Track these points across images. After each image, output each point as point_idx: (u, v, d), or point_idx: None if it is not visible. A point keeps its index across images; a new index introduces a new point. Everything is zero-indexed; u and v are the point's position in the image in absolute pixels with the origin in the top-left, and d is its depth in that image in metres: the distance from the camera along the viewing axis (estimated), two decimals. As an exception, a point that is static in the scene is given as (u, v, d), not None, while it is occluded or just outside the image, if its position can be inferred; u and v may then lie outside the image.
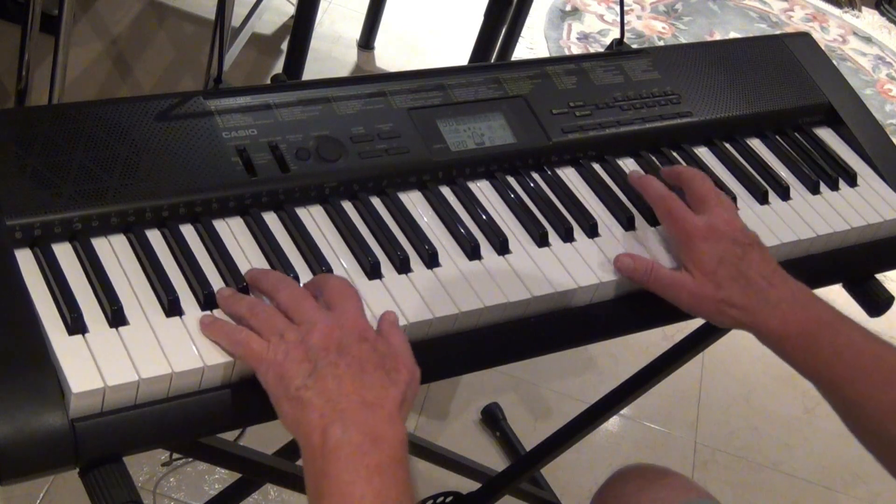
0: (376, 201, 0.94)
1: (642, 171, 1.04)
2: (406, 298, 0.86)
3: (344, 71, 2.53)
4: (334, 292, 0.79)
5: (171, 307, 0.79)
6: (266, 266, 0.85)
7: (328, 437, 0.70)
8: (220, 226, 0.87)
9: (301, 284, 0.83)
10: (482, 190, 0.99)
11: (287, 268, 0.84)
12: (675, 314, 1.01)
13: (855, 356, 0.89)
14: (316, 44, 2.23)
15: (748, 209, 1.07)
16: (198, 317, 0.79)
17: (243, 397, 0.77)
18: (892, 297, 1.12)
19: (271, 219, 0.89)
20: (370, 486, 0.69)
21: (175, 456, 1.62)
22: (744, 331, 0.93)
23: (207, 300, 0.80)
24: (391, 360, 0.76)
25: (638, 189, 1.01)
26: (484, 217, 0.95)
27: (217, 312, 0.80)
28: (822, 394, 0.92)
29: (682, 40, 3.13)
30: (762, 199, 1.08)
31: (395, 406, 0.74)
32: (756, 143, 1.16)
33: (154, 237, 0.84)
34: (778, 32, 3.06)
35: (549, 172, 1.03)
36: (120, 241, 0.83)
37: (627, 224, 1.00)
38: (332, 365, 0.73)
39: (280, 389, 0.73)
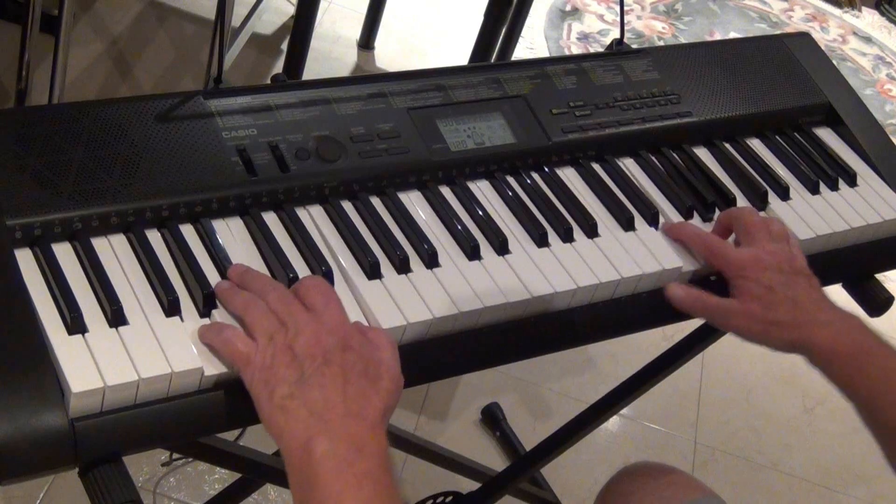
0: (376, 201, 0.94)
1: (672, 221, 1.03)
2: (406, 298, 0.86)
3: (344, 71, 2.53)
4: (315, 294, 0.79)
5: (171, 307, 0.79)
6: (263, 267, 0.86)
7: (313, 448, 0.71)
8: (220, 226, 0.87)
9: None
10: (482, 190, 0.99)
11: (287, 268, 0.84)
12: (674, 314, 1.01)
13: None
14: (316, 44, 2.23)
15: (748, 209, 1.06)
16: (198, 317, 0.79)
17: (243, 397, 0.77)
18: (892, 297, 1.12)
19: (271, 219, 0.89)
20: (360, 493, 0.70)
21: (175, 456, 1.62)
22: (795, 354, 0.94)
23: (207, 300, 0.80)
24: (374, 367, 0.76)
25: (675, 239, 1.00)
26: (483, 217, 0.95)
27: (217, 314, 0.80)
28: (864, 417, 0.92)
29: (682, 40, 3.13)
30: (762, 199, 1.08)
31: (378, 416, 0.74)
32: (756, 143, 1.16)
33: (154, 237, 0.84)
34: (778, 32, 3.06)
35: (549, 172, 1.03)
36: (120, 241, 0.83)
37: (627, 224, 1.00)
38: (318, 374, 0.74)
39: (265, 394, 0.74)
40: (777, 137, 1.17)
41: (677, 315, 1.00)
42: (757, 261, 0.95)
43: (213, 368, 0.76)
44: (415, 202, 0.95)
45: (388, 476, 0.72)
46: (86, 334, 0.75)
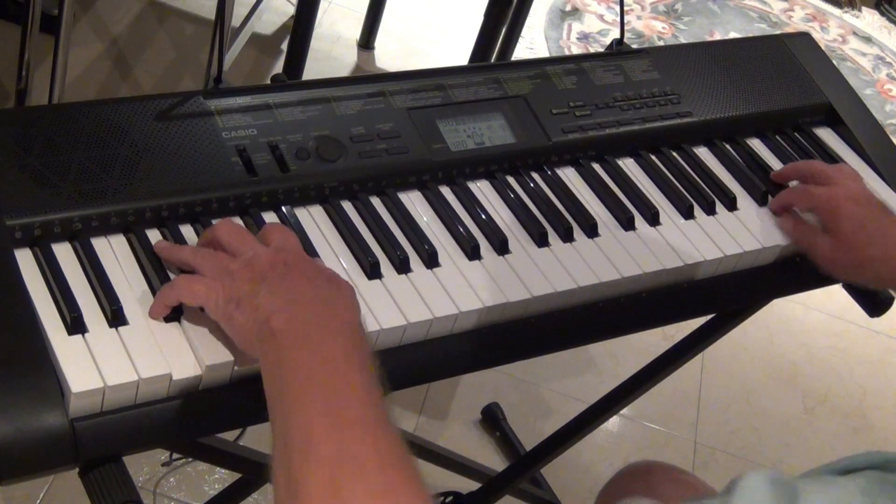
0: (376, 201, 0.94)
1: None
2: (406, 298, 0.86)
3: (344, 71, 2.53)
4: (273, 232, 0.79)
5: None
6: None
7: (292, 318, 0.69)
8: (220, 226, 0.87)
9: None
10: (482, 190, 0.99)
11: (287, 268, 0.84)
12: (674, 314, 1.01)
13: None
14: (316, 44, 2.23)
15: (747, 209, 1.07)
16: (197, 317, 0.79)
17: (243, 397, 0.77)
18: (892, 297, 1.12)
19: (271, 219, 0.89)
20: (336, 344, 0.67)
21: (175, 456, 1.62)
22: (886, 287, 0.99)
23: (207, 300, 0.80)
24: (335, 282, 0.75)
25: (783, 206, 1.05)
26: (484, 217, 0.95)
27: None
28: None
29: (682, 40, 3.13)
30: (761, 199, 1.08)
31: (350, 305, 0.73)
32: (756, 143, 1.16)
33: (154, 237, 0.84)
34: (778, 32, 3.06)
35: (549, 172, 1.03)
36: (120, 241, 0.83)
37: (627, 224, 1.00)
38: (281, 276, 0.72)
39: (231, 306, 0.72)
40: (777, 137, 1.17)
41: (677, 315, 1.00)
42: (849, 194, 0.99)
43: (214, 361, 0.76)
44: (415, 202, 0.95)
45: (364, 339, 0.70)
46: (86, 334, 0.75)
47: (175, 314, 0.79)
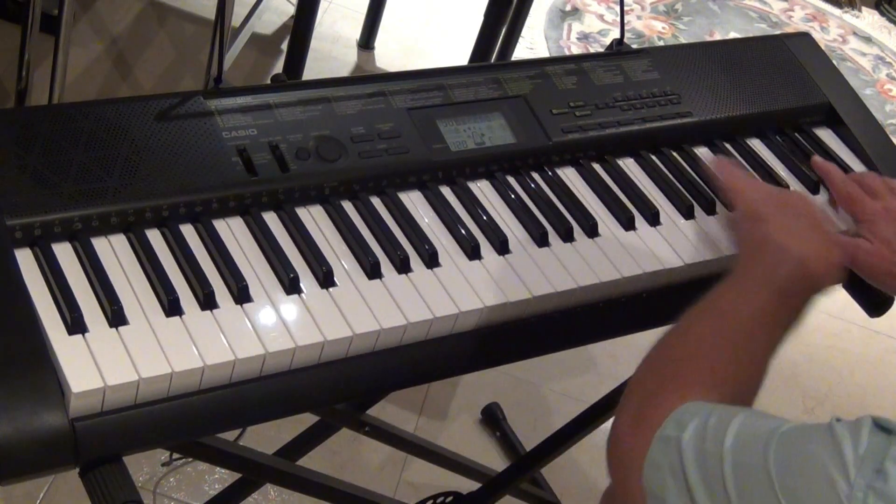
0: (376, 201, 0.94)
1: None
2: (406, 298, 0.86)
3: (344, 71, 2.53)
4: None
5: (171, 307, 0.79)
6: (263, 267, 0.85)
7: (791, 274, 0.84)
8: (220, 225, 0.87)
9: (301, 284, 0.83)
10: (482, 190, 0.99)
11: (287, 267, 0.84)
12: (675, 314, 1.01)
13: None
14: (316, 44, 2.23)
15: (748, 209, 1.06)
16: (197, 317, 0.79)
17: (243, 397, 0.77)
18: (892, 297, 1.12)
19: (271, 219, 0.89)
20: (758, 299, 0.86)
21: (175, 456, 1.62)
22: None
23: (207, 300, 0.80)
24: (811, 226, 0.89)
25: (820, 172, 1.10)
26: (484, 217, 0.95)
27: (217, 314, 0.80)
28: None
29: (682, 40, 3.13)
30: (762, 199, 1.08)
31: (832, 246, 0.87)
32: (756, 143, 1.16)
33: (154, 237, 0.84)
34: (778, 32, 3.06)
35: (550, 172, 1.03)
36: (120, 241, 0.83)
37: (627, 224, 1.00)
38: (796, 216, 0.89)
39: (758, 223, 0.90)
40: (777, 137, 1.17)
41: (678, 315, 1.00)
42: (889, 212, 1.03)
43: (214, 361, 0.76)
44: (415, 202, 0.95)
45: (806, 292, 0.86)
46: (86, 334, 0.75)
47: (175, 311, 0.79)
